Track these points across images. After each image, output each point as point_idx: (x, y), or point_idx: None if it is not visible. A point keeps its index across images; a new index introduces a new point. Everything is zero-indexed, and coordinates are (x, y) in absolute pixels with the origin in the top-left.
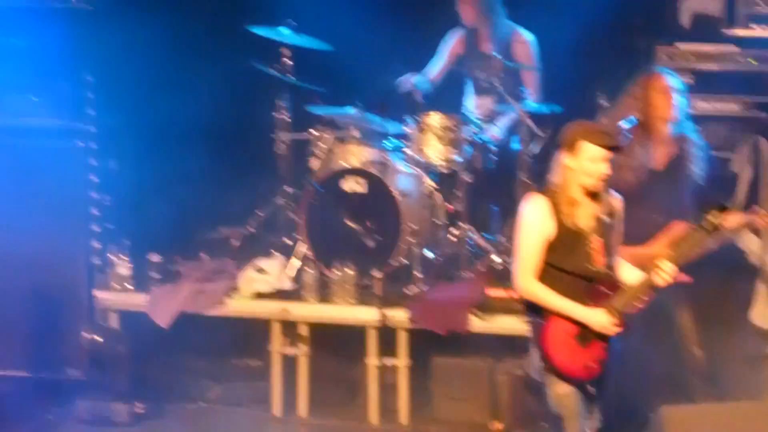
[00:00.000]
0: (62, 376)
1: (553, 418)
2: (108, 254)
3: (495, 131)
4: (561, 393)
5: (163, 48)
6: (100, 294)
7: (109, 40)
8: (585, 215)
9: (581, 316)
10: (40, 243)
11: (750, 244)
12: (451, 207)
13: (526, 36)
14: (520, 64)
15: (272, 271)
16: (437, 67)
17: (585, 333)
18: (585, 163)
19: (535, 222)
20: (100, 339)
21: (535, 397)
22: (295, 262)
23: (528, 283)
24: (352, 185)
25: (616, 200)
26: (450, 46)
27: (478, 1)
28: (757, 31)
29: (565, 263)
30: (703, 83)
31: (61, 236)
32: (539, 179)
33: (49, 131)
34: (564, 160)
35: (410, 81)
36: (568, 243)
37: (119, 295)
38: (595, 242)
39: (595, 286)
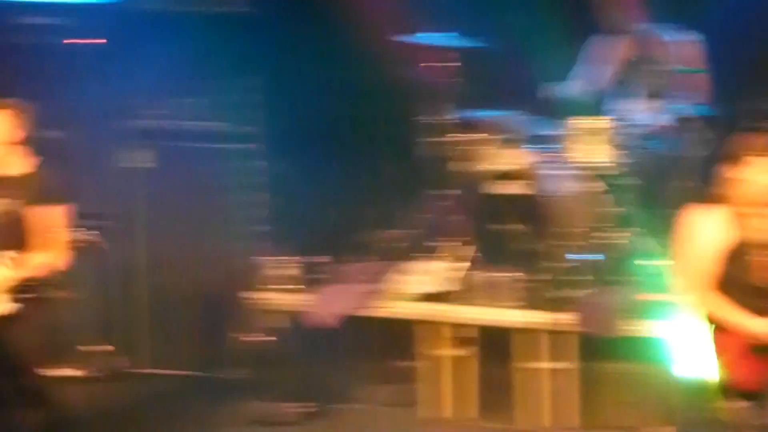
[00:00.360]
0: (229, 375)
1: (725, 429)
2: (275, 255)
3: (658, 134)
4: (735, 406)
5: (327, 52)
6: (267, 295)
7: (276, 45)
8: (756, 227)
9: (758, 328)
10: (208, 244)
11: None
12: (613, 210)
13: (694, 38)
14: (688, 67)
15: (437, 274)
16: (602, 72)
17: (761, 346)
18: (755, 175)
19: (707, 232)
20: (266, 339)
21: (703, 405)
22: (460, 265)
23: (700, 295)
24: (511, 188)
25: None
26: (615, 51)
27: (645, 4)
28: None
29: (737, 275)
30: None
31: (229, 237)
32: (704, 186)
33: (217, 134)
34: (732, 170)
35: (572, 86)
36: (741, 255)
37: (286, 296)
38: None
39: (766, 299)
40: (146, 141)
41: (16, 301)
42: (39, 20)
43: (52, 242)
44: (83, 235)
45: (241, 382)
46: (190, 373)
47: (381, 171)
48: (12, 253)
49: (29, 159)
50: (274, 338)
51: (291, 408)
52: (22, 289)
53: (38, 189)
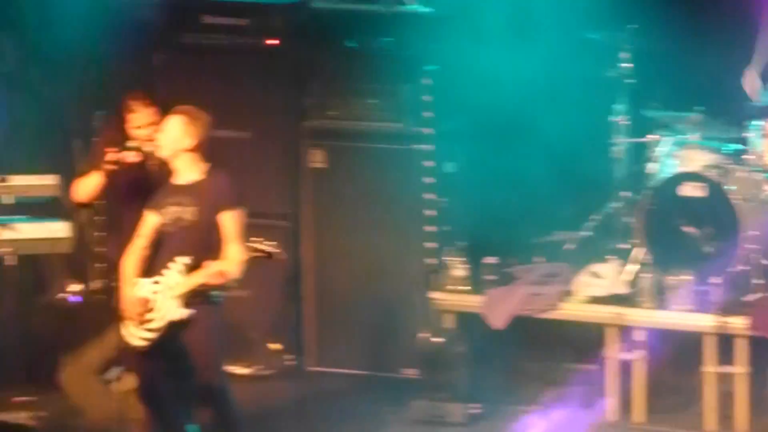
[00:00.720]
0: (398, 375)
1: None
2: (444, 256)
3: None
4: None
5: (502, 52)
6: (435, 295)
7: (447, 44)
8: None
9: None
10: (378, 244)
11: None
12: None
13: None
14: None
15: (607, 276)
16: None
17: None
18: None
19: None
20: (435, 340)
21: None
22: (631, 267)
23: None
24: (691, 190)
25: None
26: None
27: None
28: None
29: None
30: None
31: (398, 237)
32: None
33: (388, 134)
34: None
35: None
36: None
37: (455, 297)
38: None
39: None
40: (320, 141)
41: (190, 306)
42: (220, 20)
43: (226, 248)
44: (261, 245)
45: (409, 381)
46: (358, 372)
47: (555, 170)
48: (186, 259)
49: (202, 165)
50: (443, 339)
51: (459, 409)
52: (196, 295)
53: (212, 195)
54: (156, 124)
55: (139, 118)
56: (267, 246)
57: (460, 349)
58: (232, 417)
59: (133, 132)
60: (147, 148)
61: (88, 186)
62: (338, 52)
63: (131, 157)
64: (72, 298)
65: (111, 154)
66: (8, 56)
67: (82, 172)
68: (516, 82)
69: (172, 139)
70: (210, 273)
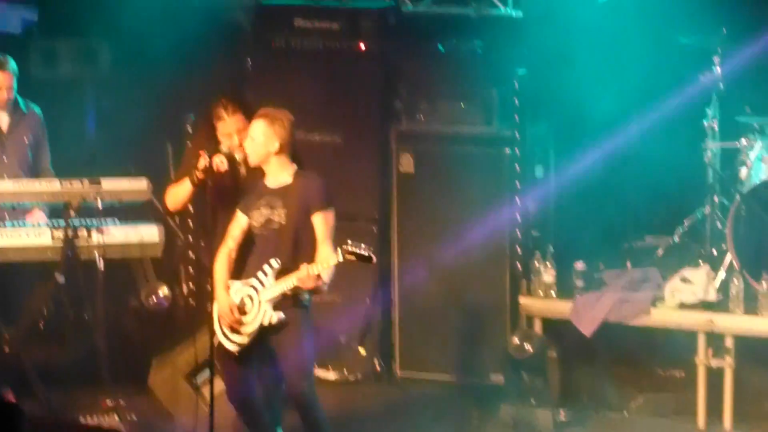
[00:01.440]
0: (486, 381)
1: None
2: (532, 261)
3: None
4: None
5: (592, 55)
6: (524, 300)
7: (537, 47)
8: None
9: None
10: (465, 248)
11: None
12: None
13: None
14: None
15: (698, 282)
16: None
17: None
18: None
19: None
20: (524, 345)
21: None
22: (722, 273)
23: None
24: None
25: None
26: None
27: None
28: None
29: None
30: None
31: (486, 242)
32: None
33: (477, 138)
34: None
35: None
36: None
37: (543, 302)
38: None
39: None
40: (409, 145)
41: (281, 309)
42: (312, 24)
43: (319, 250)
44: (359, 248)
45: (497, 387)
46: (446, 377)
47: (647, 176)
48: (277, 262)
49: (292, 167)
50: (531, 344)
51: (547, 415)
52: (286, 298)
53: (302, 197)
54: (243, 129)
55: (226, 125)
56: (365, 249)
57: (549, 355)
58: (320, 422)
59: (221, 138)
60: (236, 154)
61: (179, 194)
62: (428, 56)
63: (221, 165)
64: (162, 302)
65: (201, 162)
66: (101, 61)
67: (174, 180)
68: (607, 86)
69: (258, 144)
70: (303, 276)
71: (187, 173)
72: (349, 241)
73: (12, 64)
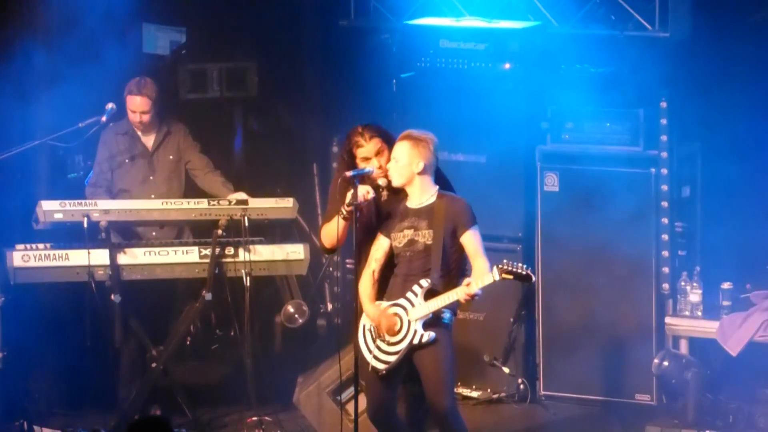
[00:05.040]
0: (632, 400)
1: None
2: (679, 281)
3: None
4: None
5: (739, 74)
6: (670, 320)
7: (684, 67)
8: None
9: None
10: (610, 268)
11: None
12: None
13: None
14: None
15: None
16: None
17: None
18: None
19: None
20: (670, 365)
21: None
22: None
23: None
24: None
25: None
26: None
27: None
28: None
29: None
30: None
31: (632, 261)
32: None
33: (623, 158)
34: None
35: None
36: None
37: (689, 322)
38: None
39: None
40: (554, 165)
41: (430, 328)
42: (458, 45)
43: (474, 266)
44: (516, 267)
45: (643, 407)
46: (590, 396)
47: None
48: (426, 283)
49: (434, 187)
50: (677, 364)
51: None
52: (436, 317)
53: (446, 217)
54: (381, 153)
55: (364, 150)
56: (522, 268)
57: (695, 375)
58: None
59: (360, 164)
60: (379, 180)
61: (333, 231)
62: (575, 76)
63: (367, 195)
64: (307, 319)
65: (349, 197)
66: (250, 83)
67: (325, 219)
68: (754, 104)
69: (402, 165)
70: (462, 294)
71: (337, 211)
72: (505, 261)
73: (150, 87)
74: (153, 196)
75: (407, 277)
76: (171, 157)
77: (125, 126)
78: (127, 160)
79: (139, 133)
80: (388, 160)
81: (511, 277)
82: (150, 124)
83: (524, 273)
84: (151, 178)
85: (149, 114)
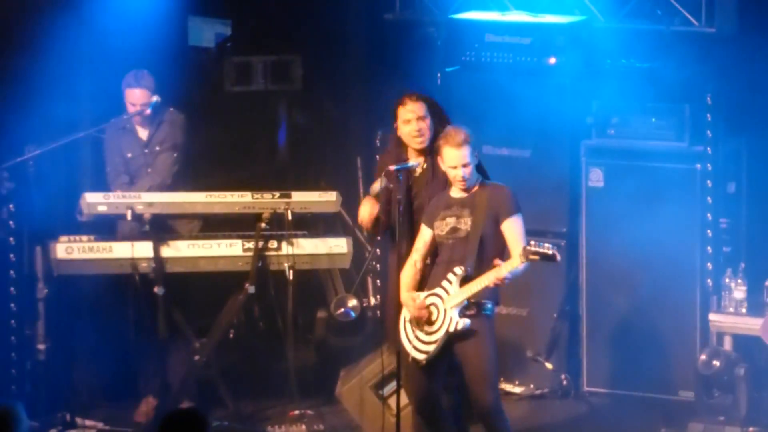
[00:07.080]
0: (675, 397)
1: None
2: (723, 277)
3: None
4: None
5: None
6: (714, 317)
7: (731, 63)
8: None
9: None
10: (654, 264)
11: None
12: None
13: None
14: None
15: None
16: None
17: None
18: None
19: None
20: (713, 362)
21: None
22: None
23: None
24: None
25: None
26: None
27: None
28: None
29: None
30: None
31: (677, 257)
32: None
33: (668, 153)
34: None
35: None
36: None
37: (733, 318)
38: None
39: None
40: (599, 160)
41: (467, 316)
42: (503, 39)
43: (510, 254)
44: (542, 247)
45: (686, 403)
46: (633, 393)
47: None
48: (462, 270)
49: (476, 176)
50: (721, 361)
51: None
52: (470, 307)
53: (489, 205)
54: (423, 119)
55: (407, 110)
56: (547, 248)
57: (739, 372)
58: None
59: (400, 125)
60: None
61: (367, 211)
62: (620, 71)
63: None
64: (350, 313)
65: (376, 189)
66: (295, 76)
67: (365, 197)
68: None
69: (473, 169)
70: (489, 277)
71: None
72: (532, 242)
73: (148, 79)
74: (149, 188)
75: (449, 265)
76: (163, 146)
77: (123, 121)
78: (129, 155)
79: (138, 126)
80: (428, 127)
81: (537, 257)
82: (148, 117)
83: (550, 253)
84: (149, 170)
85: (148, 106)
